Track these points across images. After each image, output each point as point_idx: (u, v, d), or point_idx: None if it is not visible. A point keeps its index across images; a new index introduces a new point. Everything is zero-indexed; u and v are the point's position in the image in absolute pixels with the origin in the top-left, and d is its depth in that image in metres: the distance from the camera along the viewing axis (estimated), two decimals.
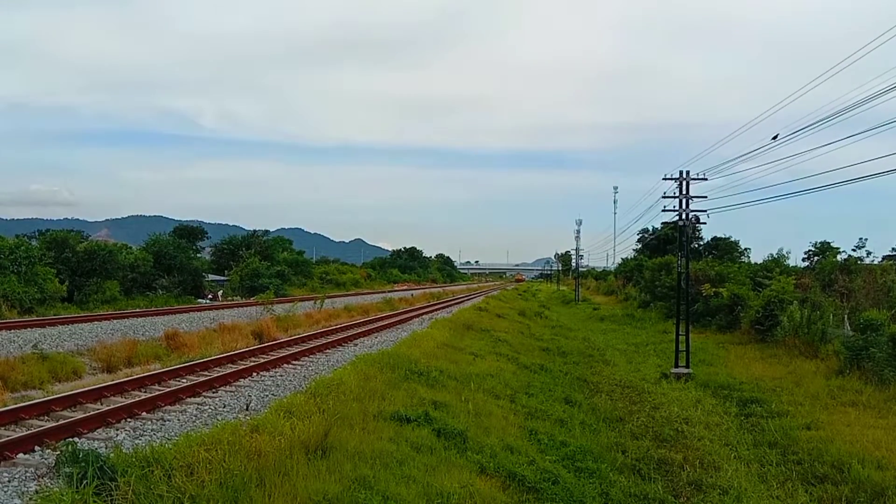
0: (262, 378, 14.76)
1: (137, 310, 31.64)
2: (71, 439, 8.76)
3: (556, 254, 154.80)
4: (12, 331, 20.95)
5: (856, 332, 21.53)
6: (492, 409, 13.44)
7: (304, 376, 14.94)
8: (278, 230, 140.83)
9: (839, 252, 41.04)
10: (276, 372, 15.66)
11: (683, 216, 24.75)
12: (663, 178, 25.48)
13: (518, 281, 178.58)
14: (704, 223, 25.73)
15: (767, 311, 27.71)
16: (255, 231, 62.07)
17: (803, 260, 46.15)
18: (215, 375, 14.28)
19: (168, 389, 12.56)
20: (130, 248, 43.20)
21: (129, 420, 10.50)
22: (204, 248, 59.96)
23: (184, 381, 13.87)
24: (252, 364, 16.06)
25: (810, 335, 24.02)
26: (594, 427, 15.24)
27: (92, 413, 10.40)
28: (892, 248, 38.88)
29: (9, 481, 7.33)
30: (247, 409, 11.34)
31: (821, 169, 21.20)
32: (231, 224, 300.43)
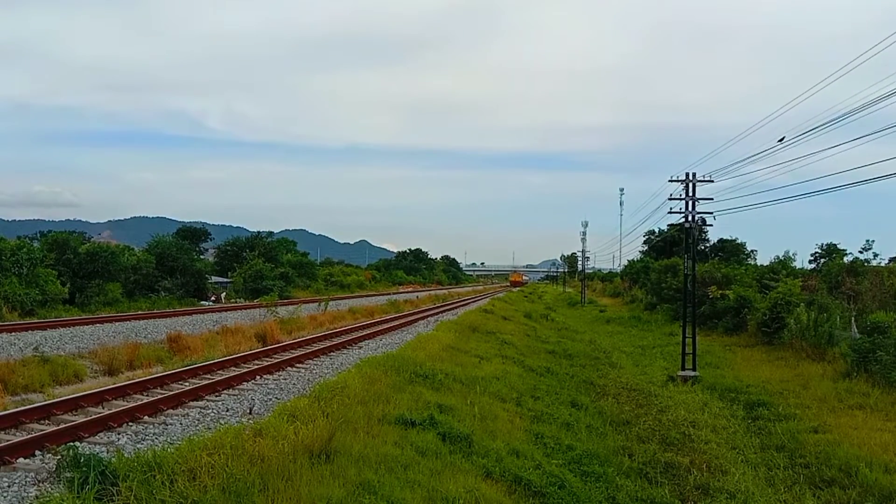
0: (266, 381, 14.67)
1: (140, 312, 31.56)
2: (72, 443, 8.63)
3: (562, 255, 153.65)
4: (13, 333, 20.90)
5: (863, 334, 21.41)
6: (497, 413, 13.34)
7: (308, 379, 14.85)
8: (282, 231, 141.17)
9: (846, 254, 40.94)
10: (279, 375, 15.57)
11: (690, 218, 24.67)
12: (669, 180, 25.44)
13: (515, 283, 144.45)
14: (711, 225, 25.71)
15: (774, 314, 27.57)
16: (258, 232, 61.99)
17: (810, 262, 46.08)
18: (218, 379, 14.19)
19: (170, 393, 12.46)
20: (133, 249, 43.18)
21: (130, 424, 10.42)
22: (207, 250, 59.92)
23: (186, 384, 13.79)
24: (255, 367, 15.96)
25: (817, 337, 23.88)
26: (600, 430, 15.14)
27: (93, 417, 10.31)
28: None
29: (9, 486, 7.26)
30: (250, 413, 11.27)
31: (828, 171, 21.12)
32: (235, 225, 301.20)
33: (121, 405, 11.44)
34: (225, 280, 49.30)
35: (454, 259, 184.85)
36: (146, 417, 10.84)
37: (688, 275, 26.26)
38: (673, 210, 25.46)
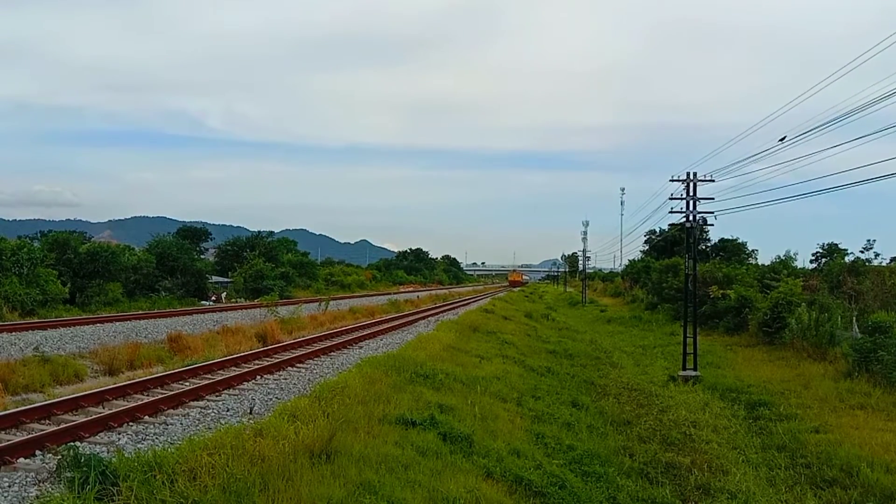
0: (266, 381, 14.66)
1: (140, 312, 31.48)
2: (72, 443, 8.62)
3: (563, 255, 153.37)
4: (14, 333, 20.87)
5: (864, 334, 21.37)
6: (498, 413, 13.32)
7: (309, 379, 14.84)
8: (283, 231, 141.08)
9: (847, 254, 40.96)
10: (280, 375, 15.55)
11: (691, 217, 24.65)
12: (670, 180, 25.42)
13: (514, 283, 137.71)
14: (712, 225, 25.70)
15: (775, 314, 27.54)
16: (259, 232, 61.95)
17: (811, 261, 46.10)
18: (218, 378, 14.18)
19: (171, 393, 12.45)
20: (133, 249, 43.12)
21: (131, 424, 10.41)
22: (208, 250, 59.87)
23: (187, 384, 13.78)
24: (256, 367, 15.95)
25: (818, 337, 23.85)
26: (601, 430, 15.12)
27: (94, 417, 10.30)
28: None
29: (9, 486, 7.25)
30: (250, 413, 11.25)
31: (828, 171, 21.09)
32: (235, 225, 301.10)
33: (121, 405, 11.43)
34: (225, 280, 49.27)
35: (455, 259, 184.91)
36: (146, 417, 10.83)
37: (689, 274, 26.23)
38: (674, 210, 25.45)
